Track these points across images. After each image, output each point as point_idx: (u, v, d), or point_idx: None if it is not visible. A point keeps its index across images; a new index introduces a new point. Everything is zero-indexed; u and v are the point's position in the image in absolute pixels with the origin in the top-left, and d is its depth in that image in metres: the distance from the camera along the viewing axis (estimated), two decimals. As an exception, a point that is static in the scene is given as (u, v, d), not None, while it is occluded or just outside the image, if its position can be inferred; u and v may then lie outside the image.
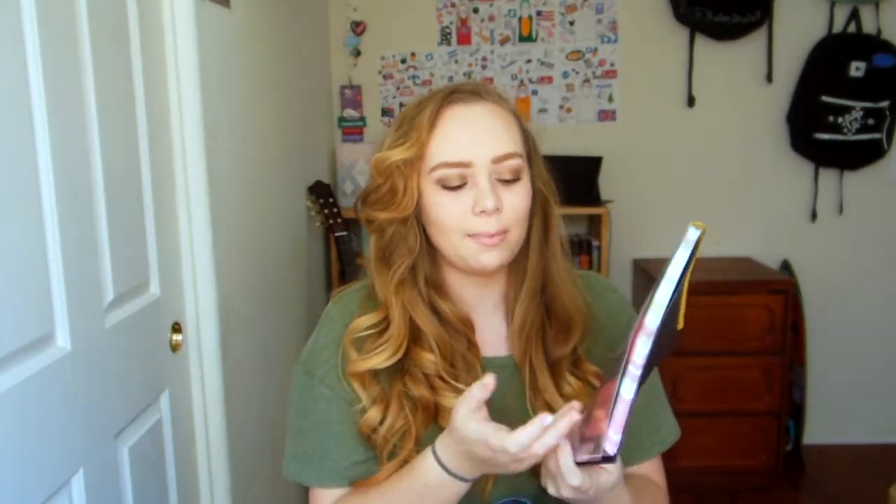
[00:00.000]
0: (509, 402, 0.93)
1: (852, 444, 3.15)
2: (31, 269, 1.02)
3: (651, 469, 1.02)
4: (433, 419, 0.91)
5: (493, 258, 0.89)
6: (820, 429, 3.12)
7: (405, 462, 0.90)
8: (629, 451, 0.99)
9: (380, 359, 0.91)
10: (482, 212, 0.87)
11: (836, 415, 3.15)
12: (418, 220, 0.92)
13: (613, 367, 0.75)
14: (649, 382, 1.02)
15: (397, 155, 0.88)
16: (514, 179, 0.89)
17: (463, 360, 0.93)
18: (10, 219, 0.97)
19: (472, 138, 0.88)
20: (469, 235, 0.89)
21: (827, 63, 2.89)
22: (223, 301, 1.67)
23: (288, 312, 2.27)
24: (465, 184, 0.88)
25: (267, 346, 2.04)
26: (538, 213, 0.94)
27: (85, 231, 1.16)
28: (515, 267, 0.96)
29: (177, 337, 1.51)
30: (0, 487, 0.94)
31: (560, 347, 0.94)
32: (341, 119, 3.08)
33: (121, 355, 1.29)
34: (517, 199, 0.89)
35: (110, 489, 1.24)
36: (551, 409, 0.91)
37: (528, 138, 0.94)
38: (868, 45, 2.88)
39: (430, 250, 0.95)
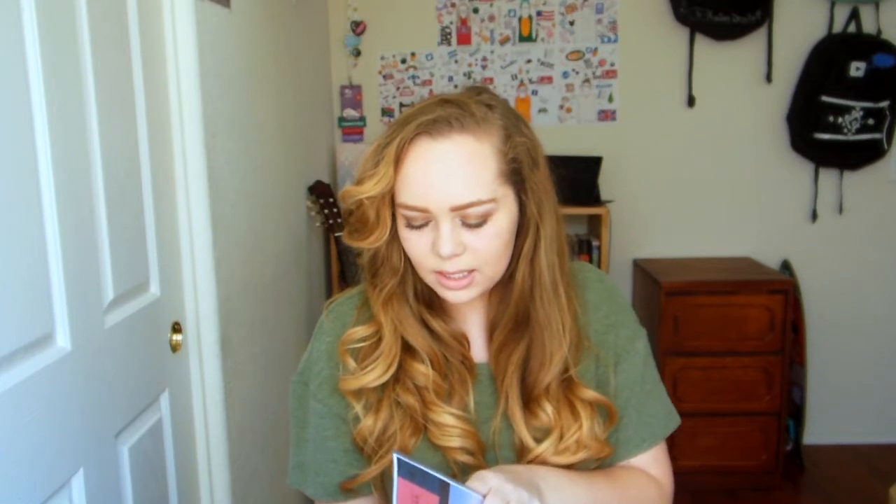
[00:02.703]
0: (494, 412, 0.93)
1: (852, 444, 3.15)
2: (31, 269, 1.02)
3: (645, 463, 0.99)
4: (422, 431, 0.91)
5: (458, 296, 0.88)
6: (820, 429, 3.12)
7: (387, 467, 0.90)
8: (617, 446, 0.98)
9: (371, 377, 0.91)
10: (437, 255, 0.85)
11: (836, 415, 3.15)
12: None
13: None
14: (639, 375, 0.99)
15: (365, 192, 0.85)
16: (480, 224, 0.84)
17: (457, 373, 0.93)
18: (10, 219, 0.97)
19: (431, 185, 0.82)
20: (434, 272, 0.87)
21: (827, 63, 2.89)
22: (223, 301, 1.67)
23: (288, 312, 2.27)
24: (428, 223, 0.85)
25: (267, 346, 2.04)
26: (528, 238, 0.89)
27: (85, 231, 1.16)
28: (501, 288, 0.93)
29: (177, 337, 1.51)
30: (0, 487, 0.94)
31: (536, 379, 0.91)
32: (341, 119, 3.08)
33: (121, 355, 1.29)
34: (482, 242, 0.85)
35: (110, 489, 1.24)
36: (521, 442, 0.91)
37: (517, 163, 0.86)
38: (868, 45, 2.88)
39: None
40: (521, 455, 0.91)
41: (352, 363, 0.93)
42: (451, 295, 0.88)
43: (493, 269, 0.88)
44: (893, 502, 2.04)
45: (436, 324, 0.93)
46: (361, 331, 0.94)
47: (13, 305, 0.97)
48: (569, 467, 0.90)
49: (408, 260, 0.91)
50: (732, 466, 2.80)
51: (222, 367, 1.65)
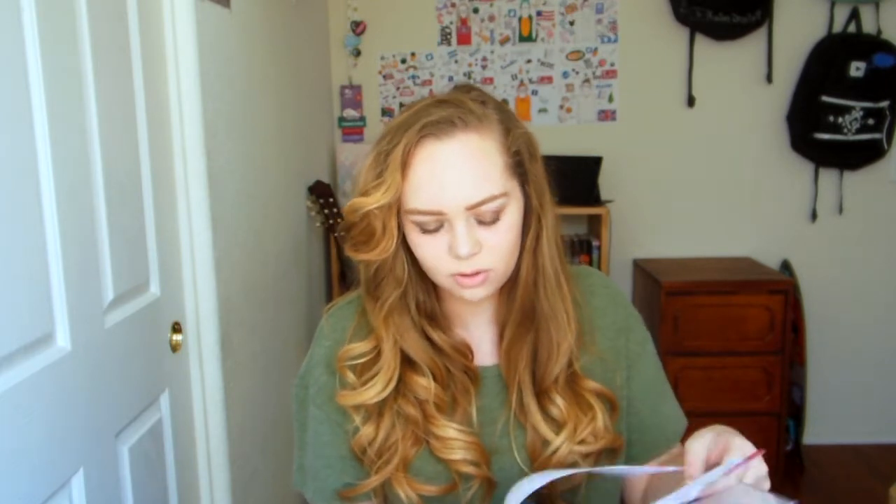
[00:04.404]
0: (499, 414, 0.93)
1: (852, 444, 3.15)
2: (31, 269, 1.02)
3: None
4: (423, 444, 0.90)
5: (475, 294, 0.87)
6: (820, 429, 3.12)
7: (387, 479, 0.90)
8: (642, 449, 0.99)
9: (370, 394, 0.90)
10: (456, 257, 0.84)
11: (836, 415, 3.15)
12: (406, 248, 0.89)
13: None
14: (654, 378, 1.01)
15: (372, 202, 0.83)
16: (494, 220, 0.84)
17: (459, 383, 0.92)
18: (11, 219, 0.97)
19: (443, 187, 0.81)
20: (451, 275, 0.86)
21: (827, 63, 2.89)
22: (223, 301, 1.67)
23: (288, 312, 2.27)
24: (441, 226, 0.84)
25: (267, 346, 2.04)
26: (531, 231, 0.90)
27: (85, 231, 1.16)
28: (508, 285, 0.93)
29: (177, 337, 1.51)
30: (0, 487, 0.94)
31: (546, 372, 0.92)
32: (341, 119, 3.08)
33: (121, 355, 1.29)
34: (498, 238, 0.85)
35: (110, 489, 1.24)
36: (535, 431, 0.91)
37: (518, 156, 0.87)
38: (868, 45, 2.88)
39: (422, 276, 0.92)
40: (536, 452, 0.91)
41: (351, 377, 0.92)
42: (468, 294, 0.87)
43: (507, 263, 0.88)
44: (893, 502, 2.04)
45: (437, 335, 0.92)
46: (360, 347, 0.92)
47: (13, 305, 0.97)
48: (587, 456, 0.91)
49: (411, 270, 0.90)
50: (732, 466, 2.80)
51: (222, 367, 1.65)
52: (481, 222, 0.84)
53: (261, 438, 1.94)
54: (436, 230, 0.84)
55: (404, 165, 0.82)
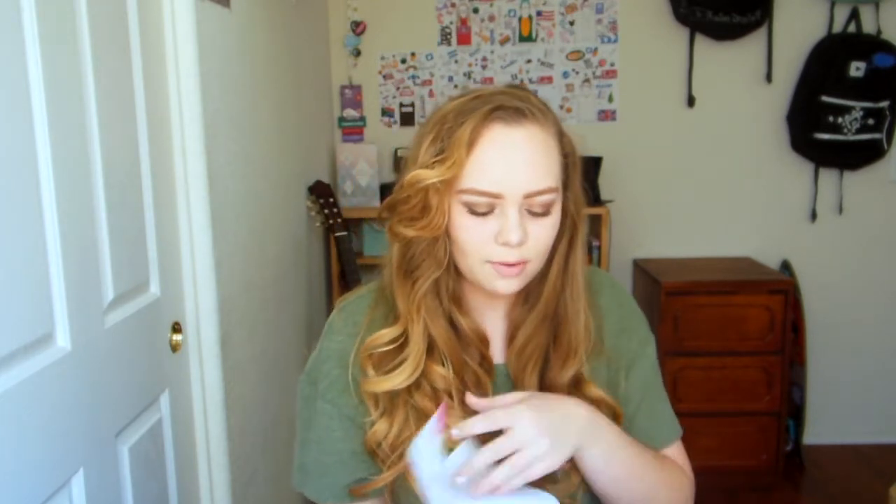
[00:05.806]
0: None
1: (852, 444, 3.15)
2: (31, 269, 1.02)
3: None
4: None
5: (507, 286, 0.88)
6: (820, 429, 3.12)
7: (401, 473, 0.89)
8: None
9: (399, 379, 0.89)
10: (505, 243, 0.84)
11: (836, 415, 3.15)
12: (447, 232, 0.89)
13: None
14: (650, 379, 1.01)
15: (435, 177, 0.83)
16: (544, 213, 0.86)
17: (474, 374, 0.92)
18: (10, 219, 0.97)
19: (508, 171, 0.83)
20: (488, 262, 0.86)
21: (827, 63, 2.89)
22: (223, 301, 1.67)
23: (288, 312, 2.27)
24: (492, 210, 0.85)
25: (267, 346, 2.04)
26: (565, 235, 0.91)
27: (85, 231, 1.16)
28: (528, 289, 0.93)
29: (177, 337, 1.51)
30: (0, 487, 0.94)
31: (557, 375, 0.92)
32: (341, 119, 3.08)
33: (121, 355, 1.29)
34: (542, 232, 0.86)
35: (110, 489, 1.24)
36: None
37: (567, 158, 0.89)
38: (868, 45, 2.88)
39: (455, 263, 0.92)
40: None
41: (371, 371, 0.91)
42: (502, 284, 0.87)
43: (542, 260, 0.89)
44: (893, 502, 2.04)
45: (464, 321, 0.92)
46: (389, 333, 0.91)
47: (13, 305, 0.97)
48: None
49: (450, 254, 0.90)
50: (732, 466, 2.80)
51: (222, 367, 1.65)
52: (532, 213, 0.85)
53: (261, 438, 1.94)
54: (485, 214, 0.85)
55: (471, 144, 0.83)
